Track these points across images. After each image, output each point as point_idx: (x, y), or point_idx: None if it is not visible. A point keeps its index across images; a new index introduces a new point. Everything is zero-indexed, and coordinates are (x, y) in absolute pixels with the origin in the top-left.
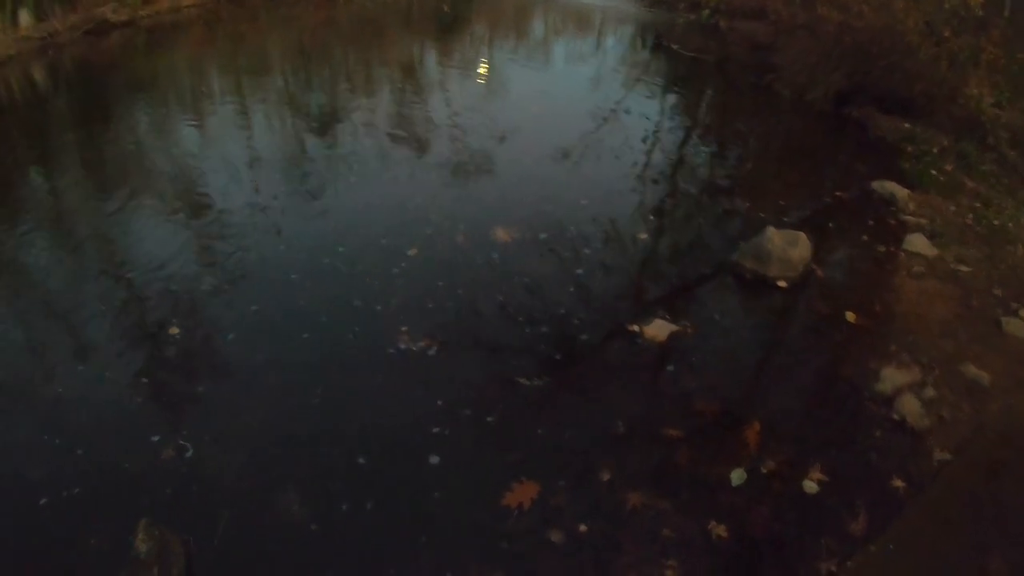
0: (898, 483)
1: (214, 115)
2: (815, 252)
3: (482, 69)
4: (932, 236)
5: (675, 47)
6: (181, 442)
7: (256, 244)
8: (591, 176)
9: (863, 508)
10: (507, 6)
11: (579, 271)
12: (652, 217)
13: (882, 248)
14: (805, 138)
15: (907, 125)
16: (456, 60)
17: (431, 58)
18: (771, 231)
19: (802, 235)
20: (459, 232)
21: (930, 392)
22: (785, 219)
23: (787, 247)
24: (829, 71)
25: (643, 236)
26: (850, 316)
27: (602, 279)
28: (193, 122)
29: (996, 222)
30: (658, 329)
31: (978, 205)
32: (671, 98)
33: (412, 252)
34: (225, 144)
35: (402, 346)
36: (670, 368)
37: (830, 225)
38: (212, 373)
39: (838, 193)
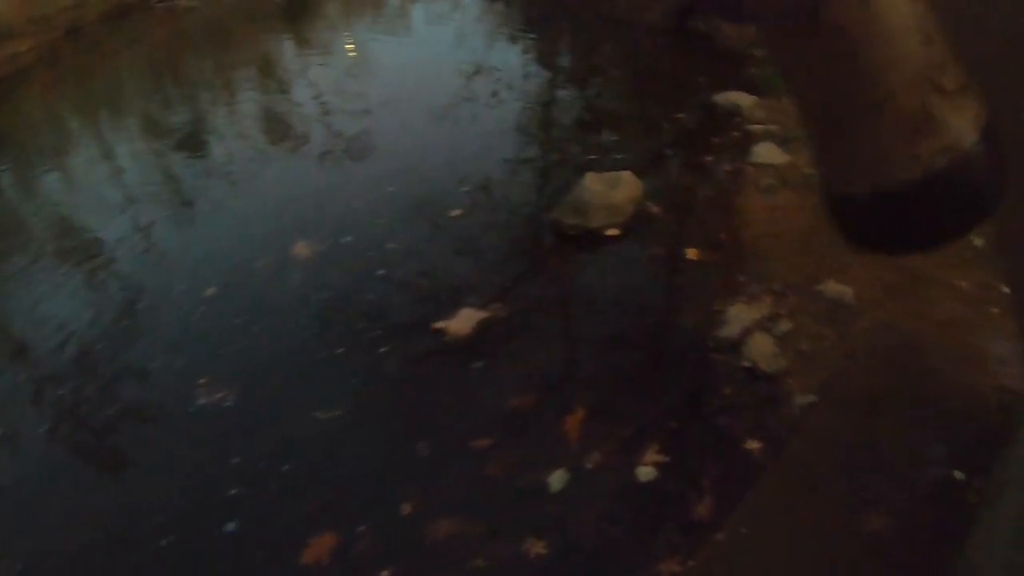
0: (752, 445)
1: (77, 156)
2: (649, 187)
3: (349, 47)
4: (783, 142)
5: None
6: None
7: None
8: (450, 141)
9: (709, 487)
10: None
11: (381, 271)
12: (466, 189)
13: (727, 167)
14: (645, 64)
15: (755, 28)
16: (315, 45)
17: (289, 49)
18: (589, 177)
19: (626, 174)
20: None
21: (785, 325)
22: (618, 156)
23: (609, 191)
24: None
25: (456, 213)
26: (691, 253)
27: (408, 273)
28: (56, 168)
29: None
30: (463, 321)
31: None
32: (518, 44)
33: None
34: (93, 184)
35: (202, 401)
36: (477, 365)
37: (668, 152)
38: None
39: (678, 115)
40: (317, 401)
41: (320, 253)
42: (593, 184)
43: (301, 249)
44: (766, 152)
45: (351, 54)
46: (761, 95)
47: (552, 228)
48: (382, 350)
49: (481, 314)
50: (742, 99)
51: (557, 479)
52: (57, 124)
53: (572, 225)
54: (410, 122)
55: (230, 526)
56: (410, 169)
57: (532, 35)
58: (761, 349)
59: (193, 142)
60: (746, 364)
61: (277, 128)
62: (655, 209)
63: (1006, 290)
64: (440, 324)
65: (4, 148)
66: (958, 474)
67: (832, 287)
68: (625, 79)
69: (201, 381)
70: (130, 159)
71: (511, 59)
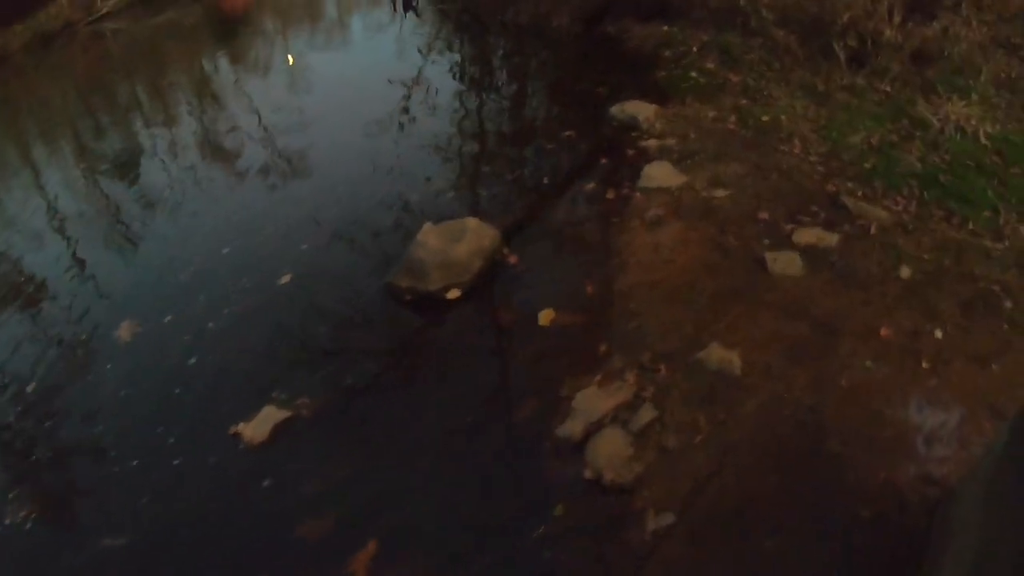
0: None
1: (6, 193)
2: (513, 230)
3: (288, 59)
4: (682, 159)
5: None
6: None
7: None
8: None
9: None
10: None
11: (193, 359)
12: (304, 247)
13: (612, 194)
14: (547, 75)
15: (665, 28)
16: (251, 61)
17: (224, 66)
18: (426, 230)
19: (472, 222)
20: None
21: (647, 413)
22: (489, 191)
23: (449, 245)
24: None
25: (285, 279)
26: (545, 316)
27: (217, 362)
28: None
29: (765, 118)
30: (259, 425)
31: (744, 102)
32: (434, 57)
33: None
34: (28, 221)
35: None
36: (266, 483)
37: (545, 182)
38: None
39: (567, 133)
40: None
41: (141, 335)
42: (430, 239)
43: (124, 332)
44: (659, 173)
45: (290, 65)
46: (667, 102)
47: (389, 294)
48: (175, 462)
49: (283, 413)
50: (641, 110)
51: None
52: None
53: (407, 289)
54: (341, 139)
55: None
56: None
57: (447, 47)
58: (611, 451)
59: (126, 168)
60: (588, 474)
61: (212, 149)
62: (513, 259)
63: (939, 334)
64: (237, 428)
65: None
66: None
67: (715, 354)
68: (521, 95)
69: None
70: (62, 188)
71: (427, 73)
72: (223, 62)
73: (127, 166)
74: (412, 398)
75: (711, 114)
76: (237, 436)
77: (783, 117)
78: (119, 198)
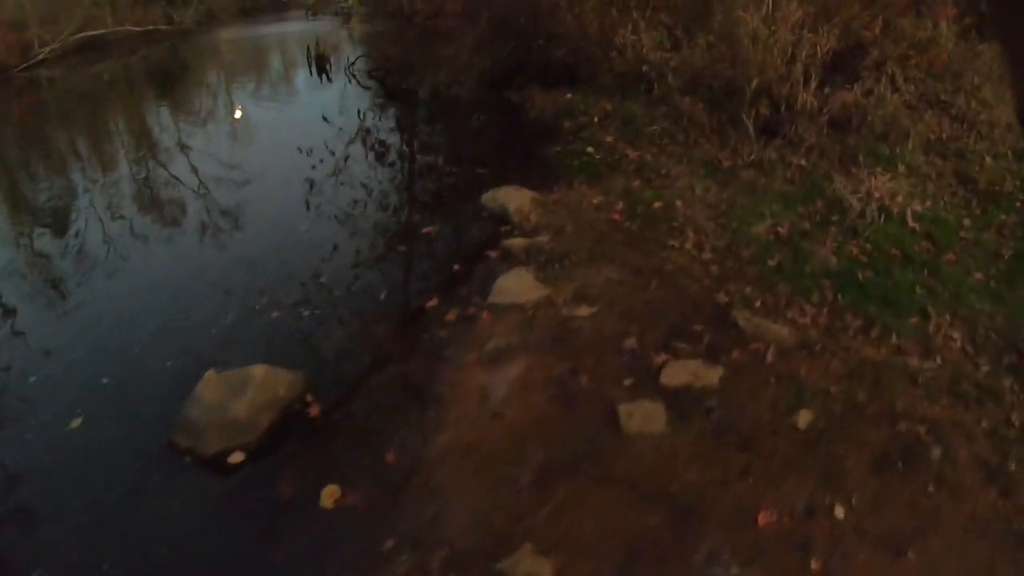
0: None
1: None
2: (323, 370)
3: (236, 112)
4: (548, 263)
5: (348, 70)
6: None
7: None
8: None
9: None
10: (219, 52)
11: None
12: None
13: (452, 314)
14: (434, 149)
15: (569, 96)
16: (193, 113)
17: (165, 116)
18: (207, 379)
19: (259, 370)
20: None
21: None
22: (311, 315)
23: (229, 400)
24: (470, 57)
25: (76, 423)
26: (328, 495)
27: None
28: None
29: (657, 204)
30: None
31: (636, 184)
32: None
33: None
34: None
35: None
36: None
37: (381, 298)
38: None
39: (427, 229)
40: None
41: None
42: (207, 392)
43: None
44: (515, 285)
45: (236, 117)
46: (547, 187)
47: (167, 456)
48: None
49: None
50: (515, 198)
51: None
52: None
53: (186, 450)
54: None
55: None
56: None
57: (341, 114)
58: None
59: (60, 222)
60: None
61: (150, 204)
62: (315, 410)
63: (840, 513)
64: None
65: None
66: None
67: (524, 565)
68: (394, 177)
69: None
70: None
71: (343, 146)
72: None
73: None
74: None
75: (596, 200)
76: None
77: (678, 202)
78: None
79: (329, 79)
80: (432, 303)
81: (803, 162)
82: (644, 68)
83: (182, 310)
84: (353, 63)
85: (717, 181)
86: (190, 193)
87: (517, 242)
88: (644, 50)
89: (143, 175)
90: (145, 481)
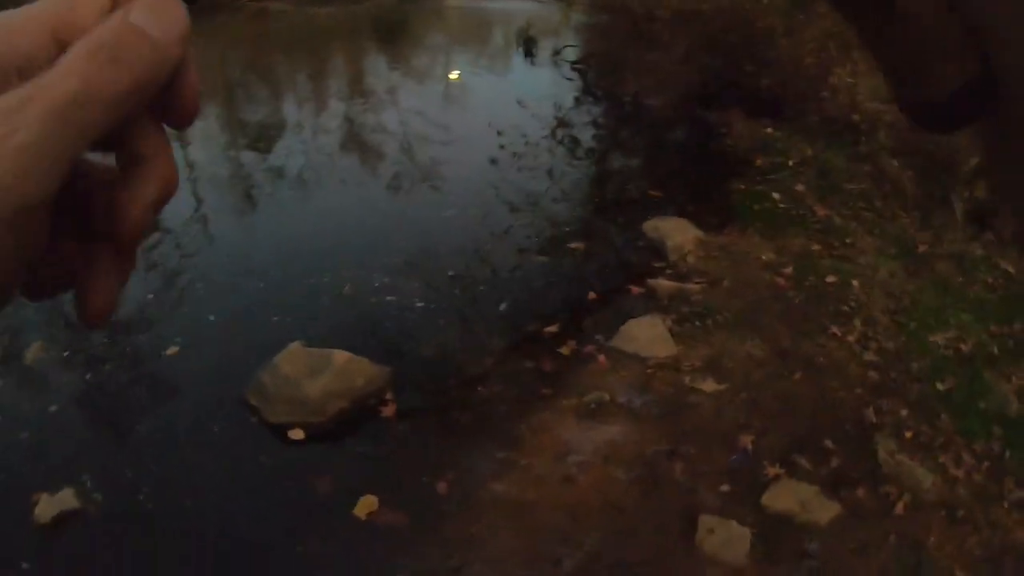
0: None
1: None
2: (412, 371)
3: (453, 75)
4: (689, 317)
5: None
6: None
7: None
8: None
9: None
10: (443, 16)
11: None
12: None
13: (567, 348)
14: (616, 158)
15: (769, 130)
16: (409, 69)
17: (382, 67)
18: (290, 351)
19: (341, 356)
20: None
21: None
22: (425, 309)
23: (304, 378)
24: (676, 69)
25: (172, 351)
26: (364, 506)
27: None
28: None
29: (831, 278)
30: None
31: (816, 247)
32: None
33: None
34: None
35: None
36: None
37: (500, 309)
38: None
39: (575, 244)
40: None
41: None
42: (285, 365)
43: None
44: (644, 333)
45: (452, 79)
46: (718, 227)
47: (242, 405)
48: None
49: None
50: (678, 233)
51: None
52: None
53: (253, 409)
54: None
55: None
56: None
57: (538, 102)
58: None
59: (267, 142)
60: None
61: (354, 143)
62: (389, 411)
63: None
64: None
65: None
66: None
67: None
68: (565, 180)
69: None
70: (202, 150)
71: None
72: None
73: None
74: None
75: (766, 256)
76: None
77: (855, 282)
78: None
79: (534, 63)
80: (552, 328)
81: (1012, 269)
82: (855, 117)
83: (316, 268)
84: (560, 51)
85: (906, 267)
86: (390, 143)
87: (665, 284)
88: (859, 97)
89: (352, 116)
90: (208, 424)
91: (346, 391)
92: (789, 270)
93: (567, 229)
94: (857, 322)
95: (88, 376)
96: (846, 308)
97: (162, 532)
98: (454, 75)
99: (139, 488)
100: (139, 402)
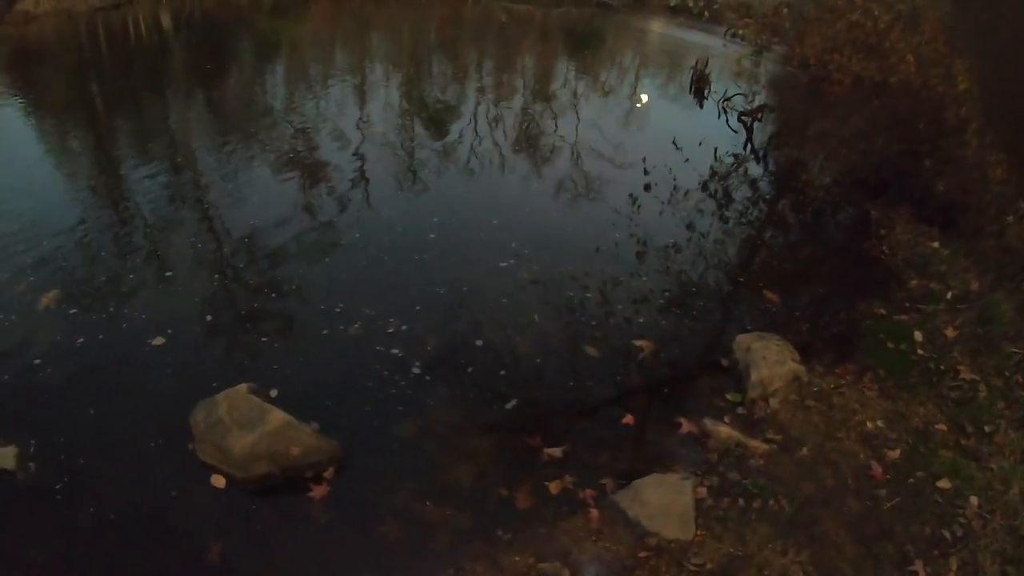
0: None
1: (333, 88)
2: (363, 448)
3: (641, 97)
4: (729, 490)
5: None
6: None
7: None
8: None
9: None
10: (640, 38)
11: None
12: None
13: (557, 486)
14: (747, 237)
15: (935, 245)
16: (598, 80)
17: (571, 73)
18: (237, 390)
19: (278, 417)
20: None
21: None
22: (432, 377)
23: (236, 426)
24: (846, 144)
25: (158, 341)
26: None
27: None
28: (316, 90)
29: (942, 484)
30: None
31: (940, 428)
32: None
33: None
34: (341, 121)
35: None
36: None
37: (509, 407)
38: None
39: (640, 343)
40: None
41: None
42: (224, 406)
43: None
44: (660, 500)
45: (640, 103)
46: (821, 360)
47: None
48: None
49: None
50: (771, 361)
51: None
52: (326, 55)
53: (190, 434)
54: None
55: None
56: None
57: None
58: None
59: (442, 122)
60: None
61: (528, 141)
62: (320, 491)
63: None
64: None
65: (275, 56)
66: None
67: None
68: (691, 252)
69: None
70: (381, 113)
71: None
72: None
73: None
74: None
75: (873, 424)
76: None
77: (973, 499)
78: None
79: (702, 105)
80: (555, 451)
81: None
82: None
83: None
84: (729, 98)
85: None
86: (557, 151)
87: (724, 432)
88: None
89: (530, 114)
90: (151, 434)
91: (275, 456)
92: (896, 453)
93: (642, 319)
94: (953, 563)
95: (80, 340)
96: (947, 535)
97: (59, 528)
98: (643, 98)
99: (64, 470)
100: (109, 381)
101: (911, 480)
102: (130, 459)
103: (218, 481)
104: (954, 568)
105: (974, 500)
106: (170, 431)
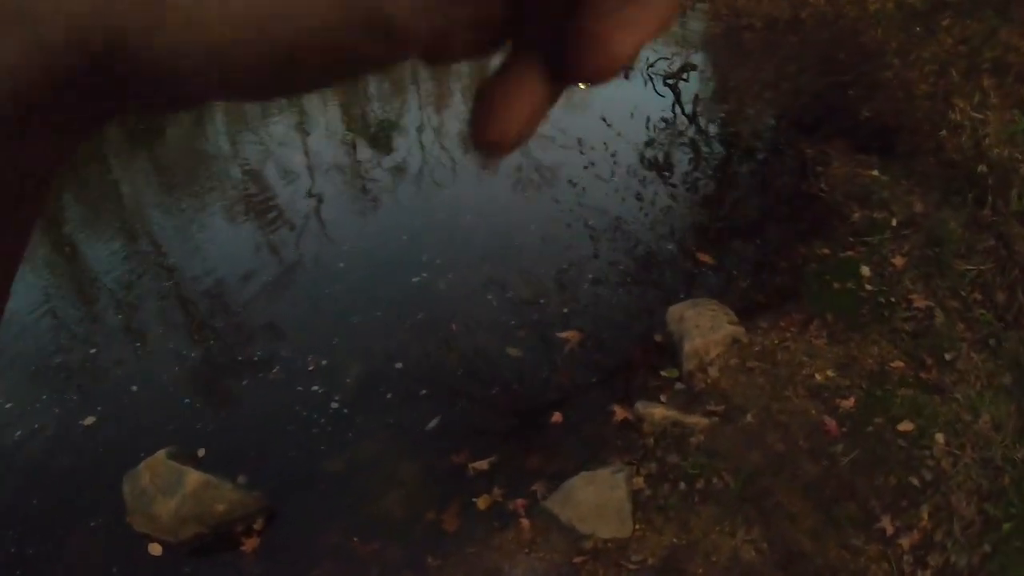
0: None
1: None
2: (289, 493)
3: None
4: (667, 475)
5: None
6: None
7: None
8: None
9: None
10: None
11: None
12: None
13: (486, 500)
14: (668, 208)
15: (874, 173)
16: None
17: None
18: (156, 458)
19: (195, 477)
20: None
21: None
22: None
23: (160, 492)
24: (762, 92)
25: None
26: None
27: None
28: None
29: (906, 426)
30: None
31: (897, 366)
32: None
33: None
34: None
35: None
36: None
37: (431, 427)
38: None
39: (564, 334)
40: None
41: None
42: (147, 474)
43: None
44: (593, 498)
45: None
46: (762, 317)
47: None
48: None
49: None
50: (706, 329)
51: None
52: None
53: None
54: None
55: None
56: None
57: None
58: None
59: (383, 138)
60: None
61: (445, 140)
62: (248, 545)
63: None
64: None
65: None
66: None
67: None
68: (603, 234)
69: None
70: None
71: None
72: None
73: None
74: None
75: (822, 375)
76: None
77: (940, 436)
78: None
79: (627, 76)
80: (481, 464)
81: None
82: (981, 168)
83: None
84: (652, 64)
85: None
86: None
87: (658, 413)
88: (987, 140)
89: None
90: (90, 516)
91: (202, 516)
92: (850, 402)
93: (566, 309)
94: (924, 511)
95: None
96: (915, 483)
97: None
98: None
99: (15, 562)
100: (48, 469)
101: (869, 429)
102: (73, 541)
103: (155, 549)
104: (925, 517)
105: (940, 438)
106: (107, 507)
